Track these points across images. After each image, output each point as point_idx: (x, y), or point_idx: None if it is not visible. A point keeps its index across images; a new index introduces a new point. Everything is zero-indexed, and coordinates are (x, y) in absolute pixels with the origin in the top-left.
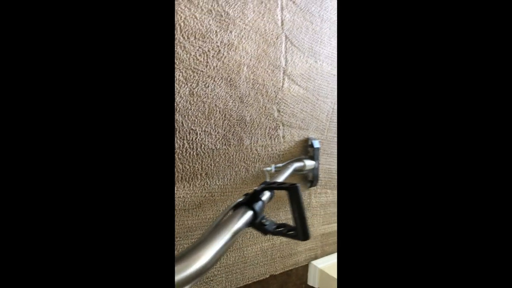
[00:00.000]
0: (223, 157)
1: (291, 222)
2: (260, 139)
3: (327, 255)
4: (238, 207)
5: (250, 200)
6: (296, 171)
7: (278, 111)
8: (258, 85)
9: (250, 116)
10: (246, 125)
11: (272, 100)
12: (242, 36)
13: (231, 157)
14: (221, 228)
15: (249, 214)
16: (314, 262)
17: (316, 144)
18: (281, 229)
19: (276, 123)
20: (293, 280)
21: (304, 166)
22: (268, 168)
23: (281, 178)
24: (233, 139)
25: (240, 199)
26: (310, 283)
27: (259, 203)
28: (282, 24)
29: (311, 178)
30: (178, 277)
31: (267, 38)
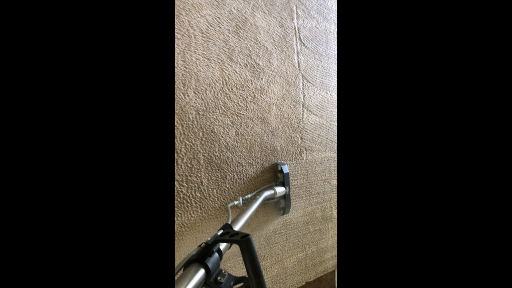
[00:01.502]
0: (262, 183)
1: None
2: (289, 165)
3: None
4: (188, 265)
5: (202, 256)
6: (266, 200)
7: (301, 138)
8: (284, 119)
9: (280, 146)
10: (278, 154)
11: (295, 130)
12: (270, 81)
13: (268, 182)
14: None
15: (201, 273)
16: None
17: (286, 169)
18: (239, 285)
19: (300, 149)
20: (324, 286)
21: (275, 193)
22: (236, 202)
23: (249, 212)
24: (269, 166)
25: (192, 253)
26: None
27: (213, 258)
28: (298, 66)
29: (283, 205)
30: None
31: (288, 79)
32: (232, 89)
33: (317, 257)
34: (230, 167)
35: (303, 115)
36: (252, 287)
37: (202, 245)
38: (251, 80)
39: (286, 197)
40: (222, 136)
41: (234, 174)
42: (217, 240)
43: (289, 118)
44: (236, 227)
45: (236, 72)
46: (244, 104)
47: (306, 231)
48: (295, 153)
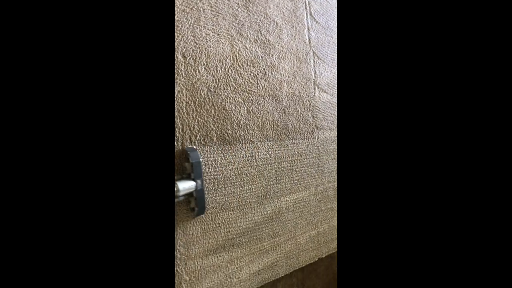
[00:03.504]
0: (274, 160)
1: None
2: (300, 143)
3: None
4: None
5: None
6: None
7: (313, 117)
8: (295, 97)
9: (291, 124)
10: (289, 132)
11: (307, 108)
12: (281, 57)
13: (282, 161)
14: None
15: None
16: None
17: (195, 156)
18: None
19: (312, 127)
20: (336, 262)
21: (178, 190)
22: None
23: None
24: (280, 145)
25: None
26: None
27: None
28: (309, 42)
29: (193, 205)
30: None
31: (299, 56)
32: (242, 65)
33: (329, 235)
34: (242, 145)
35: (314, 93)
36: None
37: None
38: (261, 57)
39: (197, 193)
40: (234, 114)
41: (246, 152)
42: None
43: (300, 96)
44: None
45: (247, 48)
46: (255, 81)
47: (318, 209)
48: (307, 132)
